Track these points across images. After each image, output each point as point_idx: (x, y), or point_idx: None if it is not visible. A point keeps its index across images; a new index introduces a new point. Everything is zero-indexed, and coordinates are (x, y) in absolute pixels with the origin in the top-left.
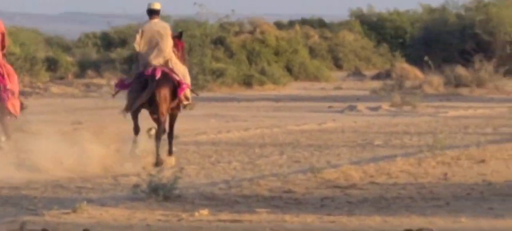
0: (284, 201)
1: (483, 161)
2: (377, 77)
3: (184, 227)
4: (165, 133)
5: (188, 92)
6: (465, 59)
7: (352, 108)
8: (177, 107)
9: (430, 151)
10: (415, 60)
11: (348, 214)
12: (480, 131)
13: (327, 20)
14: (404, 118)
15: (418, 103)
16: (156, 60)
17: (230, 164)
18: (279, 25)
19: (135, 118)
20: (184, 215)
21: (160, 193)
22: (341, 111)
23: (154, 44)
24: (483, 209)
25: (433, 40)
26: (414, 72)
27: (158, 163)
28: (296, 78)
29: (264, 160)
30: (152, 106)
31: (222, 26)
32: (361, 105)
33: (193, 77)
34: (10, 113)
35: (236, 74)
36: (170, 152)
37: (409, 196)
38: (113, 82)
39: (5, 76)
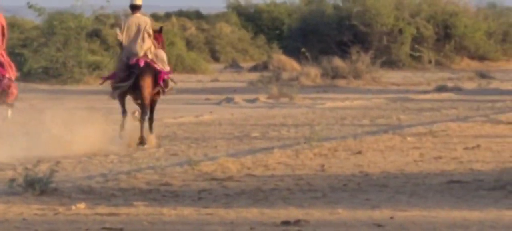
0: (161, 194)
1: (360, 152)
2: (254, 69)
3: (61, 220)
4: (147, 115)
5: (169, 79)
6: (343, 51)
7: (229, 100)
8: (158, 93)
9: (307, 142)
10: (293, 52)
11: (225, 206)
12: (357, 122)
13: (204, 12)
14: (281, 110)
15: (295, 95)
16: (138, 51)
17: (107, 157)
18: (155, 17)
19: (122, 102)
20: (61, 209)
21: (36, 187)
22: (218, 104)
23: (136, 36)
24: (360, 200)
25: (310, 31)
26: (291, 64)
27: (142, 141)
28: (173, 70)
29: (141, 153)
30: (136, 92)
31: (97, 19)
32: (238, 98)
33: (69, 71)
34: (10, 100)
35: (112, 66)
36: (151, 131)
37: (287, 187)
38: None
39: (6, 66)
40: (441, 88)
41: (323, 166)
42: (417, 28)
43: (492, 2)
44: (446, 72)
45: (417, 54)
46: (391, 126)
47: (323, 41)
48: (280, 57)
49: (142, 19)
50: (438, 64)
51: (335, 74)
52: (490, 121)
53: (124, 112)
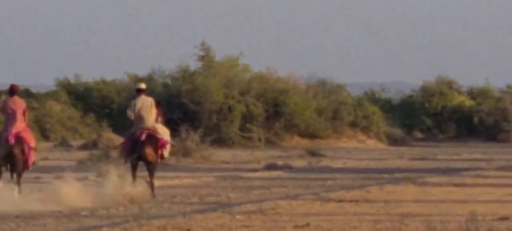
0: None
1: (189, 230)
2: (84, 147)
3: None
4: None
5: (168, 148)
6: (173, 129)
7: (58, 179)
8: (158, 158)
9: (136, 220)
10: (122, 130)
11: None
12: (186, 200)
13: (33, 90)
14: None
15: (125, 173)
16: (144, 125)
17: None
18: None
19: (133, 168)
20: None
21: None
22: (49, 183)
23: (141, 114)
24: None
25: None
26: (121, 141)
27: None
28: None
29: None
30: (142, 159)
31: None
32: (67, 176)
33: None
34: (27, 166)
35: None
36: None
37: None
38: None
39: (28, 138)
40: (271, 166)
41: None
42: (247, 106)
43: (322, 80)
44: (276, 150)
45: (248, 135)
46: (221, 204)
47: None
48: (109, 135)
49: (147, 100)
50: (268, 142)
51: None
52: (320, 199)
53: (133, 176)
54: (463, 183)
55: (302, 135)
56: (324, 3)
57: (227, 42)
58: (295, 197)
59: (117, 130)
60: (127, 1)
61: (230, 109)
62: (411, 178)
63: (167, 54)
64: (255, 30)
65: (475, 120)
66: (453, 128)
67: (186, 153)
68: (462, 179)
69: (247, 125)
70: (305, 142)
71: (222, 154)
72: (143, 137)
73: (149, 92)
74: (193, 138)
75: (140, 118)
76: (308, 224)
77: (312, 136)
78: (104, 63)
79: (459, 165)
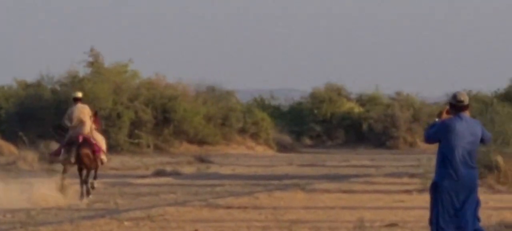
0: None
1: None
2: None
3: None
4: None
5: (103, 155)
6: (61, 135)
7: None
8: (95, 164)
9: (23, 227)
10: (10, 136)
11: None
12: (74, 206)
13: None
14: None
15: (12, 179)
16: (81, 132)
17: None
18: None
19: (64, 170)
20: None
21: None
22: None
23: (80, 121)
24: None
25: (28, 115)
26: (9, 148)
27: (85, 194)
28: None
29: None
30: (79, 162)
31: None
32: None
33: None
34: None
35: None
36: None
37: None
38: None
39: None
40: (159, 173)
41: None
42: (136, 112)
43: (211, 86)
44: (165, 156)
45: (137, 141)
46: (109, 211)
47: (41, 125)
48: None
49: (84, 108)
50: (157, 148)
51: (53, 159)
52: (209, 205)
53: (64, 172)
54: (351, 190)
55: (191, 141)
56: (213, 9)
57: (116, 48)
58: (183, 203)
59: (4, 136)
60: (14, 6)
61: (118, 115)
62: (299, 185)
63: (56, 60)
64: (144, 37)
65: (364, 126)
66: (342, 134)
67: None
68: (350, 186)
69: (136, 131)
70: (194, 148)
71: (111, 160)
72: (80, 139)
73: (38, 98)
74: None
75: (76, 125)
76: None
77: (201, 142)
78: None
79: (348, 171)
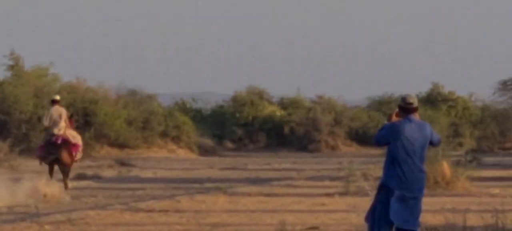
0: None
1: None
2: None
3: None
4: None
5: (80, 151)
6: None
7: None
8: (72, 161)
9: None
10: None
11: None
12: None
13: None
14: None
15: None
16: (57, 131)
17: None
18: None
19: (50, 169)
20: None
21: None
22: None
23: (56, 121)
24: None
25: None
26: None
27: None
28: None
29: None
30: (58, 160)
31: None
32: None
33: None
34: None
35: None
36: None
37: None
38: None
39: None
40: (80, 176)
41: None
42: None
43: (132, 90)
44: (85, 160)
45: None
46: (29, 214)
47: None
48: None
49: (60, 109)
50: None
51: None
52: (130, 209)
53: (51, 174)
54: (273, 193)
55: (112, 144)
56: (134, 12)
57: (36, 52)
58: (104, 207)
59: None
60: None
61: (39, 119)
62: (221, 188)
63: None
64: (65, 40)
65: (286, 130)
66: (264, 137)
67: None
68: (272, 189)
69: None
70: (115, 152)
71: (31, 164)
72: (59, 141)
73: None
74: (1, 148)
75: (54, 125)
76: None
77: (122, 145)
78: None
79: (269, 175)
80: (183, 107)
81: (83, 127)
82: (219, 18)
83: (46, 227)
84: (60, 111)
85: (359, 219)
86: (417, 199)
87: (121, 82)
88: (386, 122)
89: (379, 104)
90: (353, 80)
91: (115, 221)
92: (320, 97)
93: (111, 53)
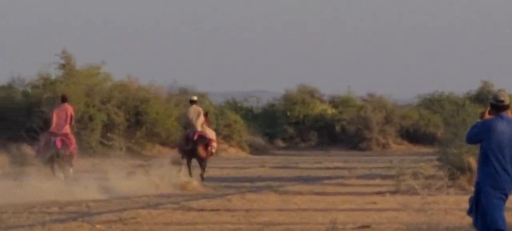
0: None
1: None
2: None
3: None
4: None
5: (215, 145)
6: (32, 138)
7: None
8: (208, 155)
9: None
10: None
11: None
12: (45, 210)
13: None
14: None
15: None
16: (196, 128)
17: None
18: None
19: (188, 162)
20: None
21: None
22: None
23: (194, 119)
24: None
25: None
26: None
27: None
28: None
29: None
30: (195, 155)
31: None
32: None
33: None
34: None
35: None
36: (202, 178)
37: None
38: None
39: (72, 139)
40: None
41: None
42: (108, 115)
43: (184, 88)
44: (137, 159)
45: (110, 143)
46: (80, 213)
47: (12, 128)
48: None
49: (198, 109)
50: (130, 151)
51: (24, 162)
52: (181, 208)
53: (189, 168)
54: (324, 192)
55: (163, 143)
56: (186, 12)
57: (88, 51)
58: (155, 206)
59: None
60: None
61: (91, 118)
62: (272, 187)
63: (27, 62)
64: (117, 39)
65: (337, 128)
66: (315, 136)
67: (47, 162)
68: (323, 188)
69: (108, 134)
70: (167, 151)
71: (83, 163)
72: (195, 137)
73: (9, 101)
74: None
75: (191, 123)
76: None
77: (173, 145)
78: None
79: (320, 173)
80: (234, 106)
81: (135, 126)
82: (271, 18)
83: (98, 226)
84: (197, 111)
85: (410, 217)
86: (507, 197)
87: (172, 81)
88: (478, 120)
89: (430, 103)
90: (404, 79)
91: (167, 220)
92: (371, 95)
93: (162, 52)
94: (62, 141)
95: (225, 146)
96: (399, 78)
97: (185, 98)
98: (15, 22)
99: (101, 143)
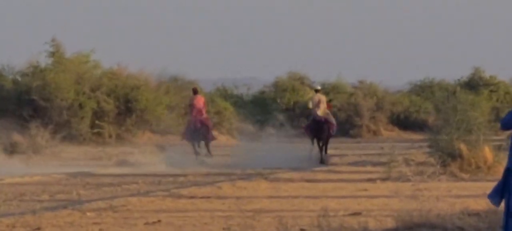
0: None
1: (39, 229)
2: None
3: None
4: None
5: (334, 128)
6: (22, 126)
7: None
8: (330, 136)
9: None
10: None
11: None
12: (36, 198)
13: None
14: None
15: None
16: (319, 113)
17: None
18: None
19: (317, 141)
20: None
21: None
22: None
23: (318, 105)
24: None
25: None
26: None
27: (322, 161)
28: None
29: None
30: (320, 135)
31: None
32: None
33: None
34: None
35: None
36: (326, 153)
37: None
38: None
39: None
40: (121, 163)
41: None
42: (98, 103)
43: (174, 76)
44: (127, 146)
45: (97, 130)
46: (71, 201)
47: (2, 116)
48: None
49: (321, 97)
50: (120, 138)
51: (14, 150)
52: (171, 195)
53: (312, 143)
54: (315, 179)
55: (153, 131)
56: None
57: (78, 39)
58: (146, 193)
59: None
60: None
61: (80, 106)
62: (263, 174)
63: (16, 50)
64: (106, 26)
65: None
66: (305, 123)
67: (36, 150)
68: (314, 175)
69: (98, 122)
70: (157, 138)
71: (73, 150)
72: (323, 120)
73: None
74: (43, 135)
75: (317, 109)
76: (159, 221)
77: (163, 132)
78: None
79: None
80: (224, 93)
81: (125, 113)
82: (260, 4)
83: (88, 214)
84: (320, 98)
85: (401, 204)
86: None
87: (162, 68)
88: None
89: (421, 89)
90: (395, 65)
91: (157, 208)
92: (361, 82)
93: (152, 40)
94: (202, 123)
95: (215, 133)
96: (390, 65)
97: (175, 85)
98: (4, 10)
99: (91, 130)
